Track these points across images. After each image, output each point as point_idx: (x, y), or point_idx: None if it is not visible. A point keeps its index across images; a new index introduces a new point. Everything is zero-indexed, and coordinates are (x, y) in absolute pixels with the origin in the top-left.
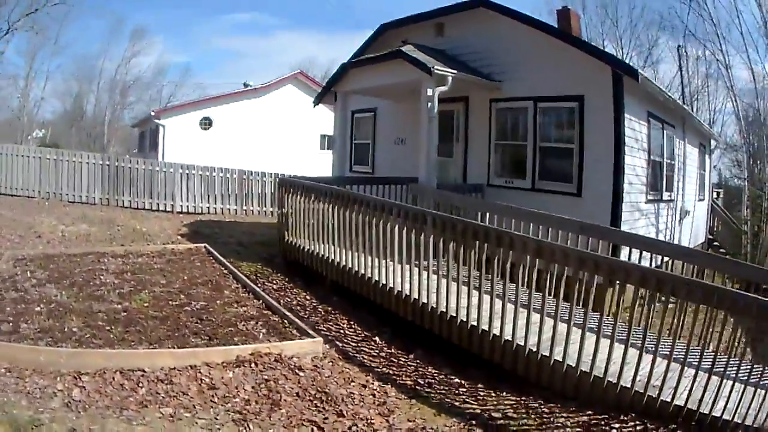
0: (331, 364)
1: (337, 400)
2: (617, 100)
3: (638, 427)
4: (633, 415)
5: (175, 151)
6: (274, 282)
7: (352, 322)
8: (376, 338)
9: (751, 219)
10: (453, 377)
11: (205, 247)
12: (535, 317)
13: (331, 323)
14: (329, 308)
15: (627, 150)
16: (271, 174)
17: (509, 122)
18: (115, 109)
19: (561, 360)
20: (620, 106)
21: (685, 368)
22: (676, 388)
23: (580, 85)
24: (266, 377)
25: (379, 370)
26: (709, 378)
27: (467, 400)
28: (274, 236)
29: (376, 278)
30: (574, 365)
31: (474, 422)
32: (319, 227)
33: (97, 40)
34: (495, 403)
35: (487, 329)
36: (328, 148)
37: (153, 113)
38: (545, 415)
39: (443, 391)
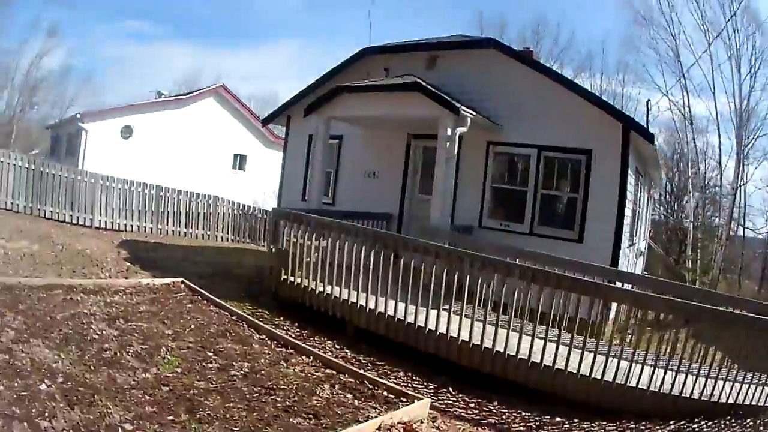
0: (447, 425)
1: None
2: (624, 156)
3: None
4: None
5: (95, 159)
6: (285, 328)
7: (409, 374)
8: (449, 388)
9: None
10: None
11: (183, 282)
12: None
13: (392, 377)
14: (373, 359)
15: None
16: (186, 193)
17: (508, 166)
18: (23, 107)
19: None
20: (626, 162)
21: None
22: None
23: (589, 139)
24: None
25: (486, 421)
26: None
27: None
28: (227, 266)
29: (431, 327)
30: None
31: None
32: (331, 267)
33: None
34: None
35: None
36: (239, 168)
37: (79, 115)
38: None
39: None
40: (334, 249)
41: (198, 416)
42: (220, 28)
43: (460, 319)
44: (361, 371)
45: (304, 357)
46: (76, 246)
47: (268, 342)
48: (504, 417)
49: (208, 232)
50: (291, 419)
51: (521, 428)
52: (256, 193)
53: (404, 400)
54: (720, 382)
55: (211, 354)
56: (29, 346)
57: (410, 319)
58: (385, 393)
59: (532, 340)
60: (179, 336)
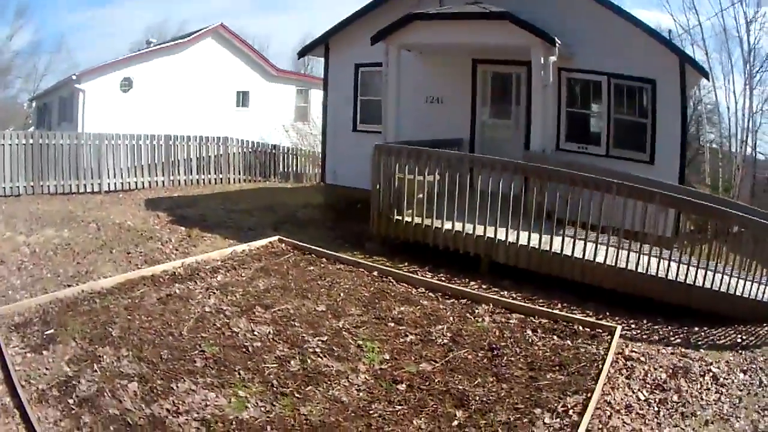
0: (640, 349)
1: None
2: (683, 87)
3: None
4: None
5: (95, 119)
6: (420, 274)
7: (565, 305)
8: (607, 313)
9: None
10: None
11: (280, 240)
12: None
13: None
14: (524, 294)
15: None
16: (196, 138)
17: (580, 93)
18: None
19: None
20: (685, 92)
21: None
22: None
23: (652, 70)
24: None
25: (666, 340)
26: None
27: None
28: (282, 209)
29: (577, 255)
30: None
31: None
32: (451, 202)
33: None
34: None
35: None
36: (243, 105)
37: (75, 76)
38: None
39: None
40: (453, 183)
41: (473, 408)
42: None
43: (596, 245)
44: (547, 309)
45: (483, 305)
46: (108, 220)
47: (432, 295)
48: (671, 333)
49: (220, 175)
50: (555, 379)
51: (700, 340)
52: (261, 129)
53: (600, 331)
54: None
55: (394, 324)
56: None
57: (555, 248)
58: (581, 327)
59: (669, 263)
60: (340, 310)
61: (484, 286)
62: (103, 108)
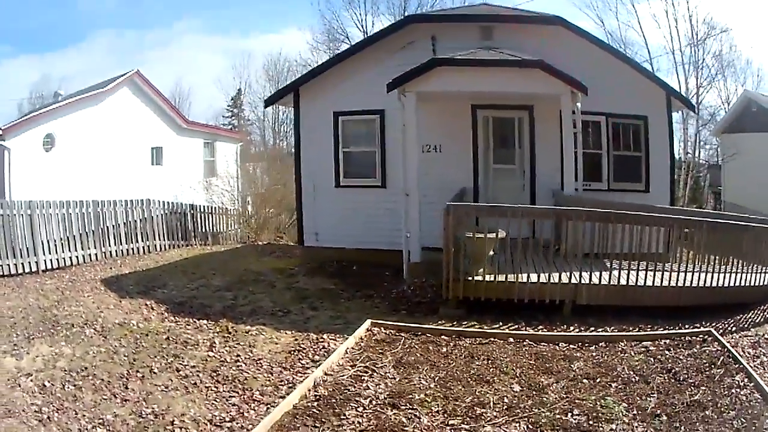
0: None
1: None
2: (669, 119)
3: None
4: None
5: (20, 183)
6: (522, 331)
7: (658, 325)
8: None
9: None
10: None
11: (372, 323)
12: None
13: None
14: (622, 327)
15: None
16: (122, 202)
17: (582, 133)
18: None
19: None
20: (671, 123)
21: None
22: None
23: (643, 106)
24: None
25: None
26: None
27: None
28: (285, 278)
29: (652, 283)
30: None
31: None
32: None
33: None
34: None
35: None
36: (157, 163)
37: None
38: None
39: None
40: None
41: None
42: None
43: (654, 273)
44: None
45: (621, 343)
46: (99, 318)
47: (573, 347)
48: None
49: (147, 243)
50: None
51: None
52: (175, 187)
53: (702, 336)
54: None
55: (588, 381)
56: None
57: (624, 282)
58: (689, 338)
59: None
60: (532, 384)
61: (582, 327)
62: (27, 169)
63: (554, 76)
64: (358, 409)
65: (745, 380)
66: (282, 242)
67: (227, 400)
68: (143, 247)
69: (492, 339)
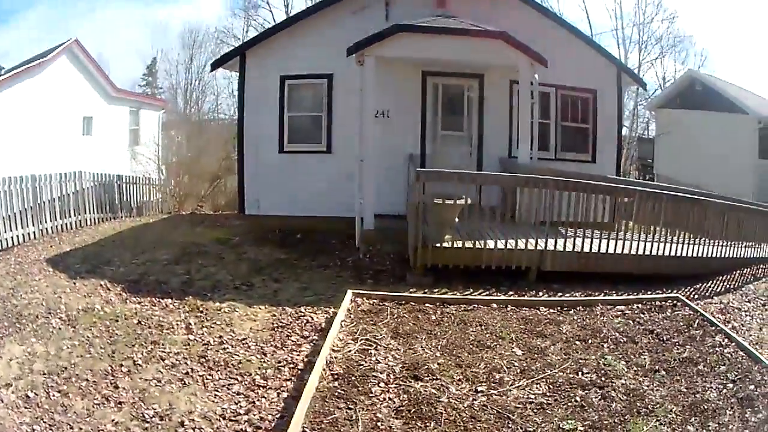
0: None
1: None
2: (619, 94)
3: None
4: None
5: None
6: (485, 295)
7: (617, 289)
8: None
9: None
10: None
11: (354, 293)
12: None
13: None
14: (586, 292)
15: None
16: (57, 176)
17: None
18: None
19: None
20: (621, 98)
21: None
22: None
23: (594, 80)
24: None
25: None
26: None
27: None
28: (235, 249)
29: (611, 251)
30: None
31: None
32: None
33: None
34: None
35: None
36: (87, 133)
37: None
38: None
39: None
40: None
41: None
42: None
43: (616, 242)
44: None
45: (599, 306)
46: (57, 304)
47: (555, 311)
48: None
49: (79, 217)
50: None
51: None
52: (102, 158)
53: (671, 302)
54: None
55: (595, 341)
56: None
57: (587, 249)
58: (659, 303)
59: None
60: (536, 349)
61: (549, 293)
62: None
63: (515, 48)
64: (380, 385)
65: (725, 340)
66: (203, 212)
67: (229, 389)
68: (76, 222)
69: (476, 305)
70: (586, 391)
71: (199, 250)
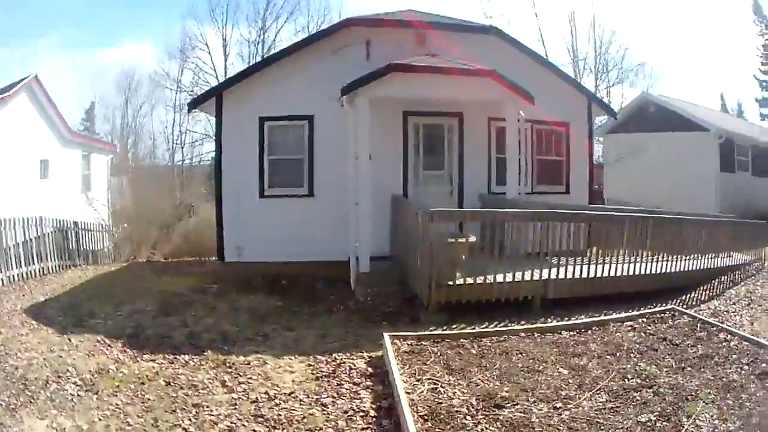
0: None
1: None
2: (590, 125)
3: None
4: None
5: None
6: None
7: (623, 308)
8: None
9: None
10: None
11: (391, 336)
12: None
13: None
14: (590, 315)
15: None
16: (20, 220)
17: (505, 139)
18: None
19: None
20: (591, 129)
21: None
22: None
23: (566, 112)
24: None
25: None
26: None
27: None
28: (229, 300)
29: (613, 274)
30: None
31: None
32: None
33: None
34: None
35: None
36: (44, 177)
37: None
38: None
39: None
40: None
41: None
42: None
43: (610, 266)
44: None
45: (611, 325)
46: (64, 366)
47: (574, 334)
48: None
49: (42, 264)
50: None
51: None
52: (58, 203)
53: (669, 313)
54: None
55: (628, 357)
56: None
57: (585, 275)
58: (660, 315)
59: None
60: (579, 378)
61: (553, 319)
62: None
63: (504, 86)
64: (468, 419)
65: (728, 336)
66: (157, 259)
67: None
68: (39, 269)
69: (506, 336)
70: (639, 392)
71: (181, 300)
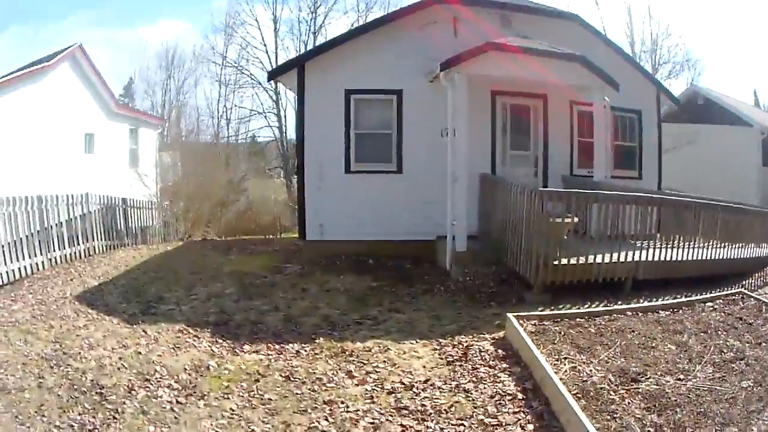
0: None
1: None
2: (659, 113)
3: None
4: None
5: None
6: (592, 307)
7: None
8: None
9: None
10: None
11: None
12: None
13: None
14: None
15: None
16: (64, 198)
17: (586, 123)
18: None
19: None
20: (659, 118)
21: None
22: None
23: (638, 100)
24: None
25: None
26: None
27: None
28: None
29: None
30: None
31: None
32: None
33: None
34: None
35: None
36: (89, 151)
37: None
38: None
39: None
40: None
41: None
42: None
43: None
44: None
45: (706, 304)
46: (170, 369)
47: (668, 316)
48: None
49: (88, 244)
50: None
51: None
52: (105, 179)
53: (740, 295)
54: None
55: (718, 334)
56: None
57: (672, 258)
58: (739, 297)
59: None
60: (691, 352)
61: (645, 299)
62: None
63: (593, 72)
64: (613, 394)
65: None
66: (212, 238)
67: None
68: (85, 250)
69: (615, 315)
70: (735, 363)
71: (262, 282)
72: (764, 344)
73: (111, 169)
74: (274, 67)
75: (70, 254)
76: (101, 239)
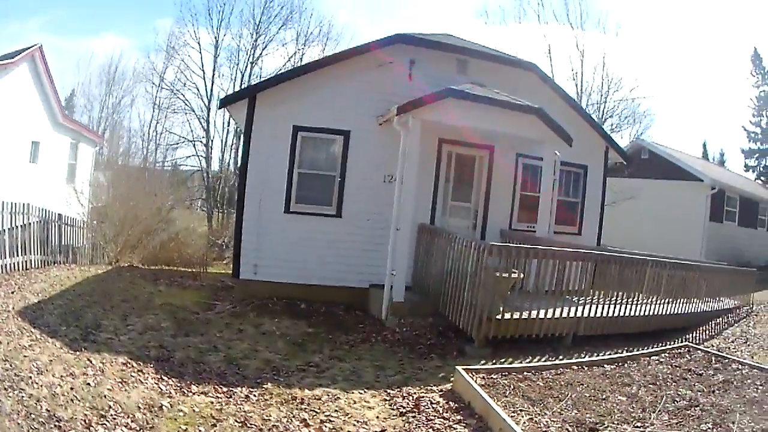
0: None
1: None
2: (605, 169)
3: None
4: None
5: None
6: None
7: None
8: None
9: None
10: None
11: (465, 369)
12: None
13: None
14: (611, 351)
15: None
16: (7, 205)
17: (530, 177)
18: None
19: None
20: (605, 174)
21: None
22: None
23: (586, 155)
24: None
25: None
26: None
27: None
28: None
29: (632, 314)
30: None
31: None
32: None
33: None
34: None
35: None
36: (33, 161)
37: None
38: None
39: None
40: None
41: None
42: None
43: (633, 306)
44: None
45: (649, 358)
46: (123, 406)
47: (618, 366)
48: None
49: (25, 258)
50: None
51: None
52: (45, 192)
53: (685, 349)
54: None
55: (668, 385)
56: None
57: (613, 314)
58: (679, 350)
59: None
60: (645, 402)
61: (585, 354)
62: None
63: (549, 126)
64: None
65: (740, 366)
66: (137, 265)
67: None
68: (23, 262)
69: (562, 369)
70: (690, 410)
71: (196, 318)
72: (718, 392)
73: (51, 182)
74: (208, 93)
75: (10, 265)
76: (38, 253)
